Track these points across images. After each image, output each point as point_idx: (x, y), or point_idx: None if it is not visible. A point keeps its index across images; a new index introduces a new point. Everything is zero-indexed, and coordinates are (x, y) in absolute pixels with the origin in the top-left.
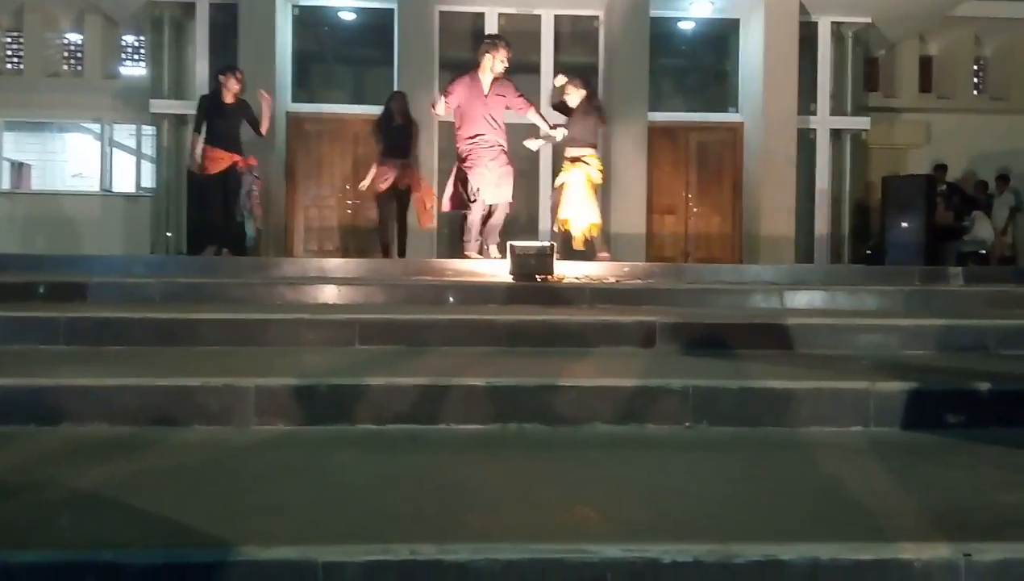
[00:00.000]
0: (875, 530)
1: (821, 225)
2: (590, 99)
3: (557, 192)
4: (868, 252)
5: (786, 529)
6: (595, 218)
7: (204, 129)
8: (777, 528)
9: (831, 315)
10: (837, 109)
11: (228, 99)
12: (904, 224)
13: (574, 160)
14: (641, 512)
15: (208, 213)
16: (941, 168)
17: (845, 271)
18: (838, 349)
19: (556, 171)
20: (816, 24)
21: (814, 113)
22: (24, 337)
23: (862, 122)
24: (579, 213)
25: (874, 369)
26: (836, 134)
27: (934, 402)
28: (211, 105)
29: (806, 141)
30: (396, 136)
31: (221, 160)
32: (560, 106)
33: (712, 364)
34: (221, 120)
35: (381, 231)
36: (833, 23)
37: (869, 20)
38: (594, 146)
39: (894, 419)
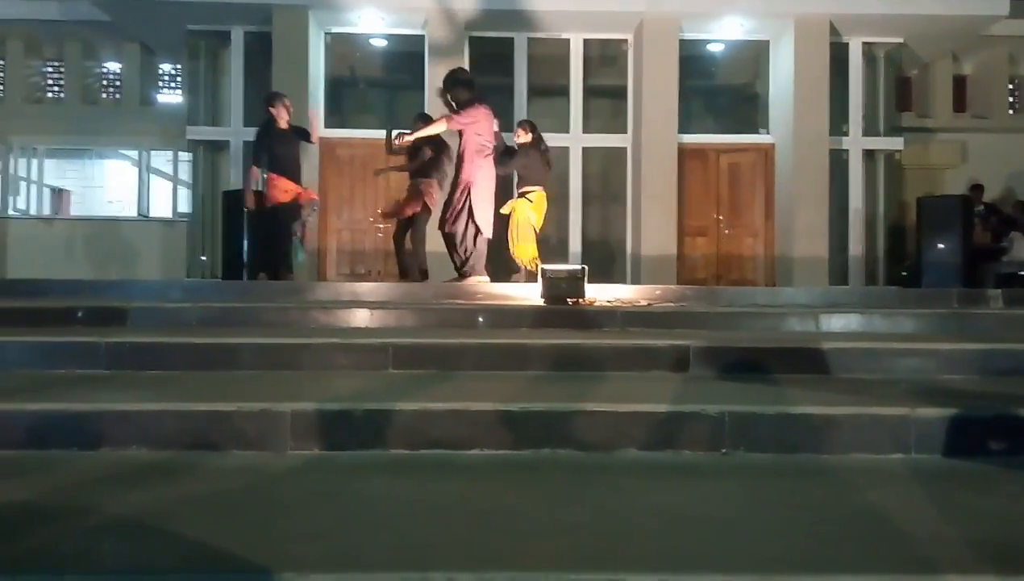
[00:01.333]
0: (920, 561)
1: (855, 247)
2: (536, 143)
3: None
4: (904, 274)
5: (828, 560)
6: (525, 250)
7: (264, 161)
8: (819, 559)
9: (868, 339)
10: (870, 130)
11: (283, 125)
12: (940, 245)
13: (520, 196)
14: (678, 541)
15: (267, 240)
16: (977, 188)
17: (881, 293)
18: (876, 374)
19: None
20: (847, 45)
21: (846, 134)
22: (65, 361)
23: (895, 142)
24: (514, 245)
25: (914, 394)
26: (869, 155)
27: (976, 429)
28: (269, 135)
29: (839, 162)
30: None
31: (288, 191)
32: (508, 149)
33: (748, 389)
34: (282, 147)
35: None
36: (865, 43)
37: (901, 40)
38: (540, 185)
39: (935, 446)
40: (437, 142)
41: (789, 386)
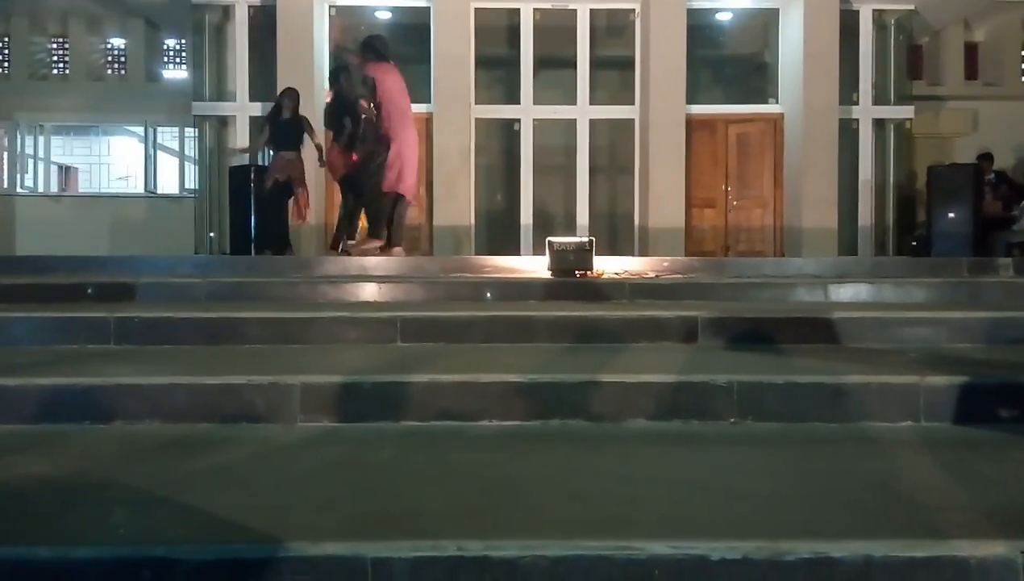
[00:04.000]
0: (929, 527)
1: (865, 216)
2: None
3: None
4: (914, 243)
5: (837, 526)
6: None
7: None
8: (827, 525)
9: (877, 308)
10: (880, 98)
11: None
12: (951, 214)
13: None
14: (688, 509)
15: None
16: (987, 157)
17: (891, 263)
18: (885, 343)
19: (596, 170)
20: (857, 12)
21: (856, 103)
22: (75, 337)
23: (906, 111)
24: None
25: (923, 363)
26: (879, 124)
27: (986, 396)
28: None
29: (848, 131)
30: (284, 129)
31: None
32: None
33: (756, 359)
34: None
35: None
36: (875, 11)
37: (912, 7)
38: None
39: (945, 414)
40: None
41: (798, 356)
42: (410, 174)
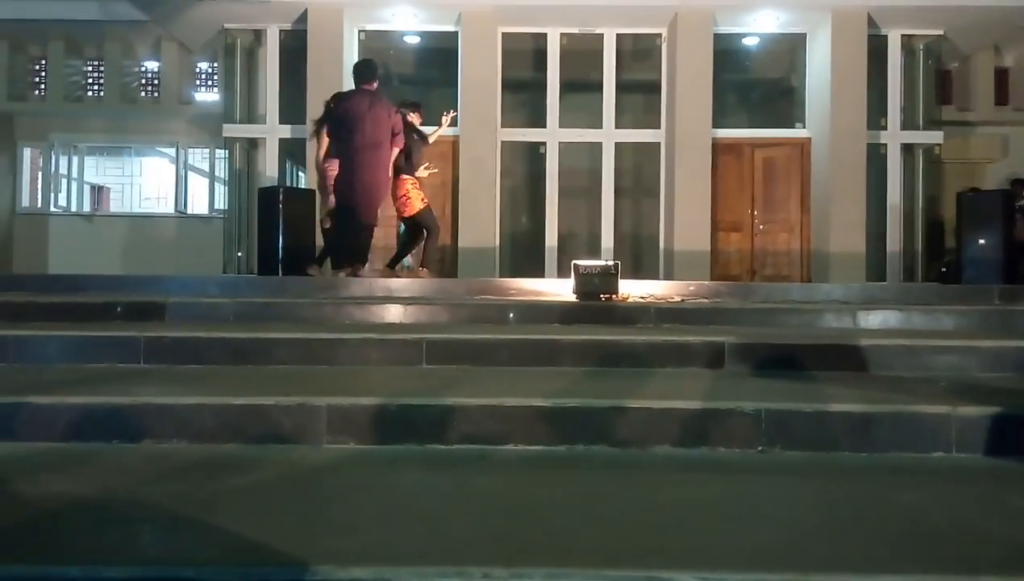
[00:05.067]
0: (961, 561)
1: (893, 242)
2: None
3: None
4: (943, 270)
5: (867, 559)
6: None
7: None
8: (857, 557)
9: (907, 336)
10: (908, 123)
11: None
12: (981, 241)
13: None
14: (716, 538)
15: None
16: (1019, 182)
17: (920, 290)
18: (915, 371)
19: (621, 193)
20: (886, 37)
21: (884, 128)
22: (105, 355)
23: (935, 136)
24: None
25: (954, 392)
26: (908, 149)
27: (1019, 428)
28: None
29: (876, 156)
30: None
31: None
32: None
33: (784, 386)
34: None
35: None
36: (903, 36)
37: (941, 32)
38: None
39: (977, 445)
40: None
41: (826, 383)
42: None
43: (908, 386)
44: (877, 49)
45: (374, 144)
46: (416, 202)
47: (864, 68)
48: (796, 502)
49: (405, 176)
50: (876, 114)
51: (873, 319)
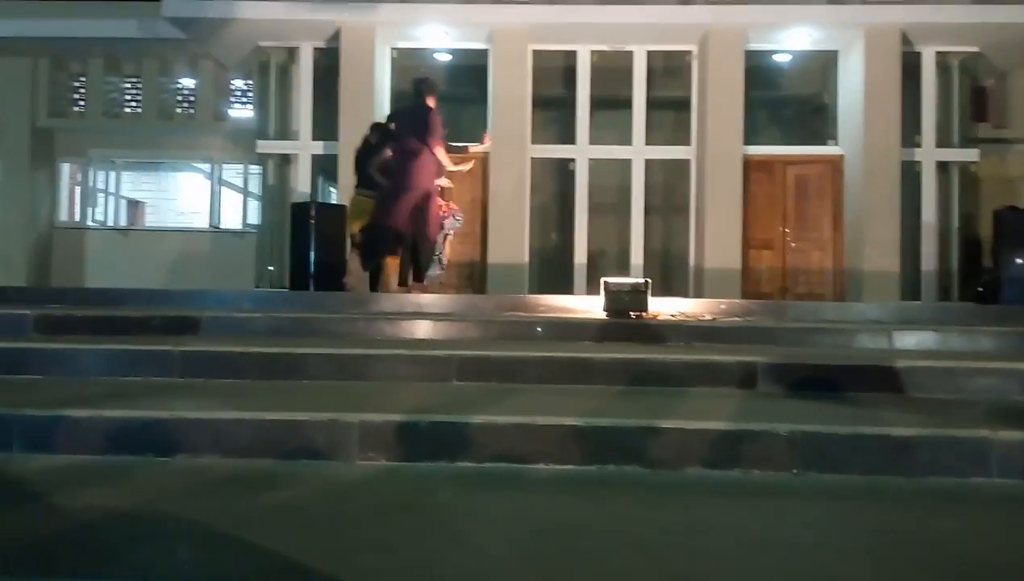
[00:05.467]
0: None
1: (928, 261)
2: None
3: None
4: (980, 289)
5: None
6: None
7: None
8: None
9: (944, 357)
10: (943, 141)
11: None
12: (1019, 260)
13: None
14: (751, 563)
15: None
16: None
17: (957, 310)
18: (953, 394)
19: (651, 210)
20: (919, 54)
21: (919, 145)
22: (141, 369)
23: (970, 154)
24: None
25: (994, 416)
26: (943, 166)
27: None
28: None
29: (911, 174)
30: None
31: None
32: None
33: (819, 408)
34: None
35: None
36: (938, 53)
37: (976, 49)
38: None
39: (1018, 470)
40: None
41: (862, 406)
42: None
43: (946, 409)
44: (911, 66)
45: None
46: None
47: (898, 85)
48: (832, 528)
49: None
50: (910, 131)
51: (909, 340)
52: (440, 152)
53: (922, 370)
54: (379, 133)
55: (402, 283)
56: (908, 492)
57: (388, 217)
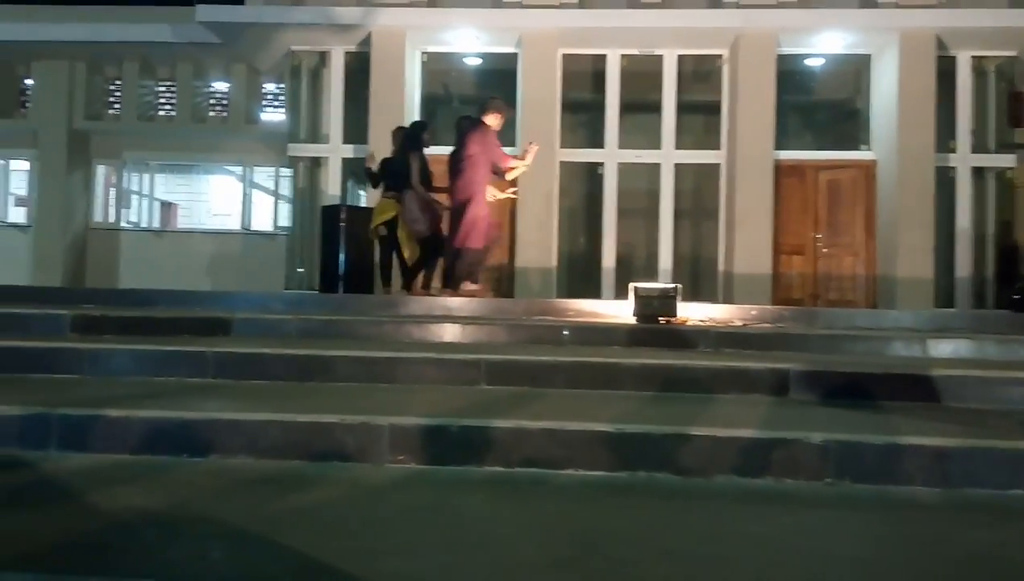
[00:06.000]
0: None
1: (963, 267)
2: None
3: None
4: (1016, 297)
5: None
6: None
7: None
8: None
9: (980, 366)
10: (979, 146)
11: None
12: None
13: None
14: (784, 573)
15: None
16: None
17: (992, 318)
18: (990, 404)
19: (680, 215)
20: (955, 58)
21: (954, 150)
22: (174, 369)
23: (1007, 159)
24: None
25: None
26: (978, 172)
27: None
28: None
29: (945, 179)
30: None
31: None
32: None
33: (852, 416)
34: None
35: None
36: (974, 57)
37: (1014, 53)
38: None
39: None
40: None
41: (897, 414)
42: None
43: (983, 419)
44: (946, 71)
45: None
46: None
47: (932, 90)
48: (867, 539)
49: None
50: (945, 137)
51: (944, 348)
52: (497, 165)
53: (957, 379)
54: (400, 137)
55: (425, 287)
56: (944, 503)
57: (436, 226)
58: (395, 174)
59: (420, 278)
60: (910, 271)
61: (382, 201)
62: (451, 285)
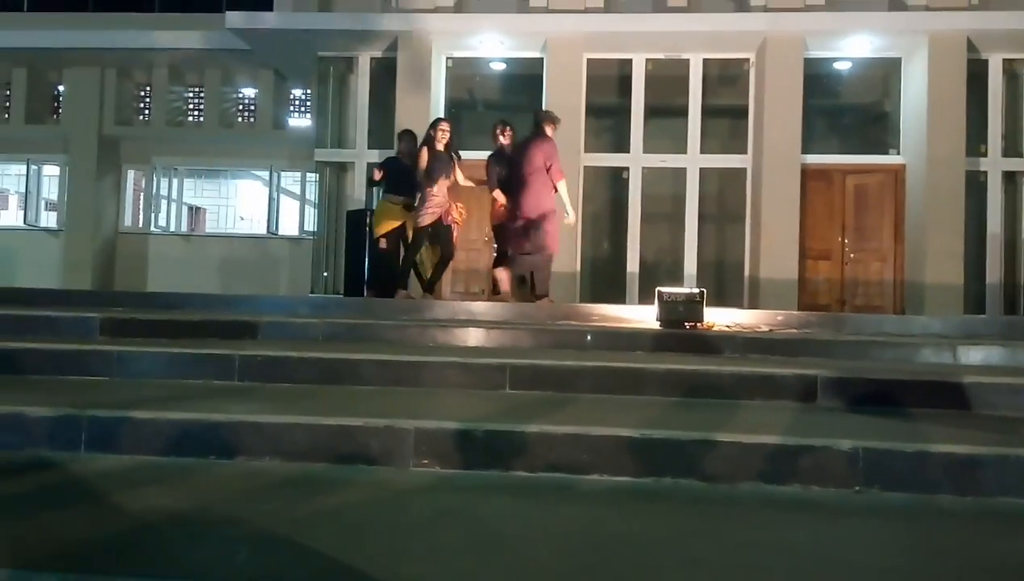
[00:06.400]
0: None
1: (993, 273)
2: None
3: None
4: None
5: None
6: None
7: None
8: None
9: (1011, 373)
10: (1010, 150)
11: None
12: None
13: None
14: None
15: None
16: None
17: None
18: (1021, 411)
19: (705, 219)
20: (986, 61)
21: (984, 154)
22: (202, 372)
23: None
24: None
25: None
26: (1009, 176)
27: None
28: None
29: (975, 184)
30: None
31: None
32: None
33: (881, 424)
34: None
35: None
36: (1005, 60)
37: None
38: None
39: None
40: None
41: (927, 422)
42: None
43: (1014, 427)
44: (976, 74)
45: None
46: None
47: (963, 94)
48: (897, 548)
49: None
50: (975, 141)
51: (975, 355)
52: (552, 178)
53: (988, 386)
54: (408, 141)
55: (427, 290)
56: (975, 512)
57: (507, 241)
58: (403, 172)
59: (507, 281)
60: (939, 277)
61: (385, 205)
62: (539, 292)
